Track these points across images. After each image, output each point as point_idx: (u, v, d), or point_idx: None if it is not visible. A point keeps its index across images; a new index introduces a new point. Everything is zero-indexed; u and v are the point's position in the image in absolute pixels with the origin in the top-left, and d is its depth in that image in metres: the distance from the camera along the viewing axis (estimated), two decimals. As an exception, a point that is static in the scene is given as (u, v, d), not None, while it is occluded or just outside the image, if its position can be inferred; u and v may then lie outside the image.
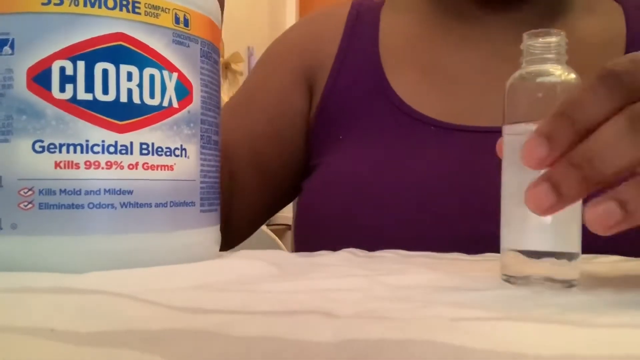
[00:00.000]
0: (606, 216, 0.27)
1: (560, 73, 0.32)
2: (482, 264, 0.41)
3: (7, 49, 0.32)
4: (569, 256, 0.32)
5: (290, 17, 3.09)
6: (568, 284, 0.32)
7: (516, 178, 0.32)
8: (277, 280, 0.33)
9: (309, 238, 0.59)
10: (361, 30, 0.64)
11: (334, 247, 0.47)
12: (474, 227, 0.50)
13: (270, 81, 0.65)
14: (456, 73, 0.60)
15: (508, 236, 0.33)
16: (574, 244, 0.32)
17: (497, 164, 0.34)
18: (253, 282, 0.33)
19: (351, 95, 0.61)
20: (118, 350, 0.20)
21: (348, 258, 0.43)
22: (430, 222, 0.53)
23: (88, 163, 0.32)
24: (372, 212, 0.54)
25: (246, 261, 0.39)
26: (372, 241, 0.48)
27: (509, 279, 0.33)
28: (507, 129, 0.34)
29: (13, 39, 0.32)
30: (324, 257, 0.43)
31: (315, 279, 0.33)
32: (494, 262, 0.42)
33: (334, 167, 0.59)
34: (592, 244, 0.47)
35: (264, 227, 1.47)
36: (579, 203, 0.31)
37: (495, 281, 0.34)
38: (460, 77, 0.60)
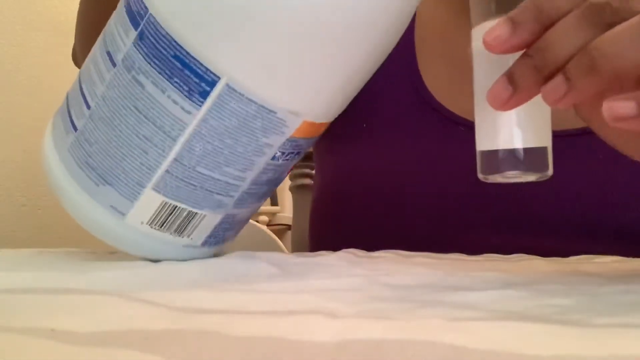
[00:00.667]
0: (553, 89, 0.28)
1: None
2: (482, 264, 0.41)
3: (297, 156, 0.40)
4: (541, 151, 0.32)
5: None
6: (542, 175, 0.32)
7: (485, 80, 0.32)
8: (277, 280, 0.33)
9: (326, 235, 0.58)
10: None
11: (354, 245, 0.47)
12: (500, 234, 0.49)
13: None
14: None
15: (480, 138, 0.34)
16: (544, 138, 0.32)
17: None
18: (253, 282, 0.33)
19: (380, 81, 0.60)
20: (118, 350, 0.20)
21: (348, 258, 0.43)
22: (453, 226, 0.52)
23: None
24: (391, 213, 0.54)
25: (246, 261, 0.39)
26: (392, 242, 0.48)
27: (486, 178, 0.33)
28: (474, 32, 0.34)
29: (302, 151, 0.40)
30: (324, 257, 0.43)
31: (315, 279, 0.33)
32: (494, 262, 0.42)
33: (355, 161, 0.58)
34: (592, 245, 0.48)
35: (264, 227, 1.47)
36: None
37: (495, 281, 0.34)
38: None
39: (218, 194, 0.38)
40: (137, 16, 0.35)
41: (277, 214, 1.91)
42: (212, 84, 0.34)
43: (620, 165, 0.46)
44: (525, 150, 0.32)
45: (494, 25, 0.30)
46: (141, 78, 0.34)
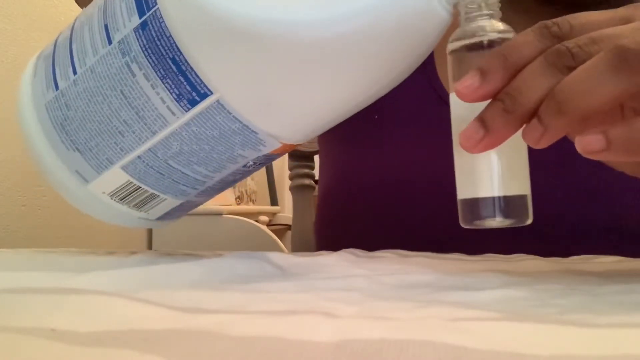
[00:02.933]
0: (530, 132, 0.30)
1: (493, 28, 0.33)
2: (482, 264, 0.41)
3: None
4: (519, 199, 0.33)
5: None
6: (521, 223, 0.33)
7: (461, 129, 0.33)
8: (277, 280, 0.33)
9: (334, 233, 0.58)
10: None
11: (364, 243, 0.47)
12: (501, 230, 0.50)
13: None
14: None
15: (460, 187, 0.34)
16: (524, 186, 0.33)
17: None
18: (253, 282, 0.33)
19: None
20: (118, 350, 0.20)
21: (348, 258, 0.43)
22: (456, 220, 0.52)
23: None
24: (401, 212, 0.54)
25: (246, 261, 0.39)
26: (404, 239, 0.48)
27: (467, 225, 0.34)
28: (452, 86, 0.34)
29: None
30: (324, 257, 0.43)
31: (315, 279, 0.33)
32: (494, 262, 0.42)
33: (366, 157, 0.58)
34: (593, 246, 0.48)
35: (264, 227, 1.48)
36: (524, 151, 0.33)
37: (495, 281, 0.34)
38: None
39: (184, 185, 0.39)
40: (144, 4, 0.34)
41: (277, 214, 1.91)
42: (204, 96, 0.34)
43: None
44: (506, 198, 0.33)
45: (466, 76, 0.31)
46: (134, 67, 0.35)
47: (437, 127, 0.56)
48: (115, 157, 0.37)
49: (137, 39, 0.34)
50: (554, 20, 0.32)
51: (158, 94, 0.34)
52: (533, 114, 0.30)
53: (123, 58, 0.35)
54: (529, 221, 0.33)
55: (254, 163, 0.39)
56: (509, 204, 0.33)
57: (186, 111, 0.35)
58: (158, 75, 0.34)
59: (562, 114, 0.29)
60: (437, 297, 0.29)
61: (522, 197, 0.33)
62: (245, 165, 0.39)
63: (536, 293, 0.30)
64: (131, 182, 0.38)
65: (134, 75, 0.35)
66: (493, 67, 0.31)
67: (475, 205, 0.33)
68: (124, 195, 0.39)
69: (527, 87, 0.30)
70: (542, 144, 0.30)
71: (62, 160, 0.38)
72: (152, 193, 0.39)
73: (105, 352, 0.20)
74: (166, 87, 0.34)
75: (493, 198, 0.33)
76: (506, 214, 0.33)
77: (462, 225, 0.34)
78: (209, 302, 0.27)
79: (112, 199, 0.39)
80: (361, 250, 0.46)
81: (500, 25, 0.33)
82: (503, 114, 0.30)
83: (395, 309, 0.26)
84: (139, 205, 0.40)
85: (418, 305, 0.27)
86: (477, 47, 0.33)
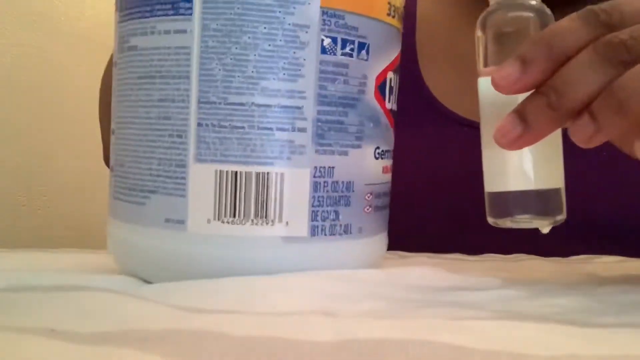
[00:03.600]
0: (582, 128, 0.28)
1: (534, 3, 0.31)
2: (482, 264, 0.41)
3: (363, 53, 0.32)
4: (553, 192, 0.31)
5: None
6: (553, 221, 0.31)
7: (493, 120, 0.31)
8: (276, 279, 0.33)
9: None
10: None
11: None
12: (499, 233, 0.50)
13: None
14: None
15: (488, 179, 0.32)
16: (557, 179, 0.31)
17: None
18: (253, 281, 0.32)
19: None
20: (118, 350, 0.20)
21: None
22: (452, 223, 0.52)
23: (387, 168, 0.35)
24: (400, 211, 0.54)
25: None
26: (404, 239, 0.48)
27: (496, 222, 0.32)
28: (483, 70, 0.32)
29: (369, 45, 0.32)
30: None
31: (315, 279, 0.33)
32: (494, 262, 0.42)
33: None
34: (593, 246, 0.48)
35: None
36: (558, 142, 0.31)
37: (495, 281, 0.34)
38: None
39: (279, 129, 0.29)
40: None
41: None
42: None
43: (619, 164, 0.46)
44: (538, 192, 0.31)
45: (503, 65, 0.29)
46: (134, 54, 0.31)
47: (428, 134, 0.56)
48: (181, 151, 0.30)
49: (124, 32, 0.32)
50: (603, 6, 0.29)
51: (159, 33, 0.31)
52: (579, 111, 0.28)
53: (132, 76, 0.32)
54: (563, 218, 0.31)
55: (332, 41, 0.31)
56: (541, 199, 0.31)
57: (190, 13, 0.29)
58: (146, 17, 0.31)
59: (622, 114, 0.27)
60: (437, 297, 0.29)
61: (556, 191, 0.31)
62: (323, 50, 0.30)
63: (536, 293, 0.30)
64: (221, 171, 0.29)
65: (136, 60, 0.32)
66: (536, 56, 0.28)
67: (503, 199, 0.31)
68: (230, 202, 0.30)
69: (576, 82, 0.28)
70: (593, 144, 0.28)
71: (146, 221, 0.31)
72: (257, 172, 0.30)
73: (105, 352, 0.20)
74: (160, 16, 0.31)
75: (524, 192, 0.31)
76: (538, 210, 0.31)
77: (490, 220, 0.32)
78: (209, 302, 0.27)
79: (223, 222, 0.30)
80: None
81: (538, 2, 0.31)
82: (547, 110, 0.28)
83: (395, 309, 0.26)
84: (265, 211, 0.30)
85: (418, 305, 0.27)
86: (517, 24, 0.31)
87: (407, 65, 0.59)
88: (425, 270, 0.36)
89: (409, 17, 0.62)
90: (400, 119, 0.59)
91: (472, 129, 0.55)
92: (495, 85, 0.29)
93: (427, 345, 0.20)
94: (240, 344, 0.21)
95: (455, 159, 0.54)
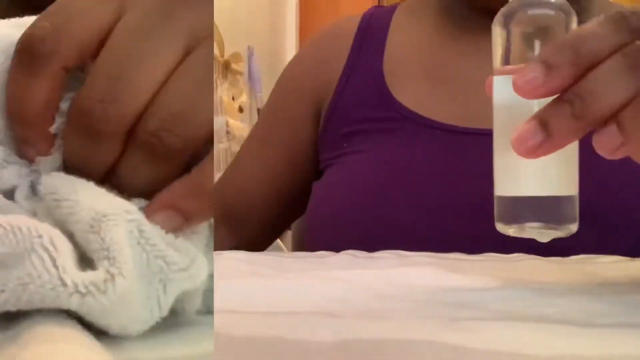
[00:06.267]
0: (609, 138, 0.26)
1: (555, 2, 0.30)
2: (482, 264, 0.41)
3: None
4: (565, 200, 0.29)
5: (290, 17, 3.08)
6: (566, 230, 0.30)
7: (508, 123, 0.30)
8: (276, 279, 0.33)
9: (321, 240, 0.59)
10: (367, 45, 0.63)
11: (347, 247, 0.47)
12: (476, 226, 0.50)
13: (283, 113, 0.66)
14: (465, 79, 0.60)
15: (498, 182, 0.31)
16: (572, 186, 0.30)
17: None
18: (252, 281, 0.33)
19: (355, 112, 0.61)
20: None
21: (347, 258, 0.43)
22: (433, 224, 0.53)
23: None
24: (377, 215, 0.54)
25: (246, 261, 0.39)
26: (378, 242, 0.48)
27: (504, 228, 0.30)
28: (501, 69, 0.31)
29: None
30: (324, 258, 0.43)
31: (315, 279, 0.33)
32: (494, 262, 0.42)
33: (340, 171, 0.59)
34: (593, 246, 0.48)
35: (264, 227, 1.47)
36: (574, 147, 0.29)
37: (496, 281, 0.34)
38: (470, 82, 0.59)
39: None
40: None
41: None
42: None
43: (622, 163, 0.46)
44: (550, 199, 0.29)
45: (525, 67, 0.27)
46: None
47: (401, 141, 0.57)
48: None
49: None
50: (633, 11, 0.27)
51: None
52: (605, 121, 0.26)
53: None
54: (575, 229, 0.29)
55: None
56: (553, 207, 0.29)
57: None
58: None
59: None
60: (437, 297, 0.29)
61: (570, 199, 0.29)
62: None
63: (536, 293, 0.30)
64: None
65: None
66: (562, 61, 0.26)
67: (514, 204, 0.30)
68: None
69: (604, 90, 0.26)
70: (618, 155, 0.27)
71: None
72: None
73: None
74: None
75: (536, 197, 0.29)
76: (549, 218, 0.29)
77: (498, 225, 0.30)
78: (209, 302, 0.27)
79: None
80: (361, 252, 0.46)
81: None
82: (570, 118, 0.26)
83: (395, 309, 0.26)
84: None
85: (418, 305, 0.27)
86: (542, 22, 0.30)
87: (376, 88, 0.60)
88: (425, 270, 0.36)
89: (379, 42, 0.62)
90: (377, 134, 0.60)
91: (447, 132, 0.56)
92: (517, 88, 0.27)
93: (427, 345, 0.20)
94: (240, 344, 0.21)
95: (428, 162, 0.55)
